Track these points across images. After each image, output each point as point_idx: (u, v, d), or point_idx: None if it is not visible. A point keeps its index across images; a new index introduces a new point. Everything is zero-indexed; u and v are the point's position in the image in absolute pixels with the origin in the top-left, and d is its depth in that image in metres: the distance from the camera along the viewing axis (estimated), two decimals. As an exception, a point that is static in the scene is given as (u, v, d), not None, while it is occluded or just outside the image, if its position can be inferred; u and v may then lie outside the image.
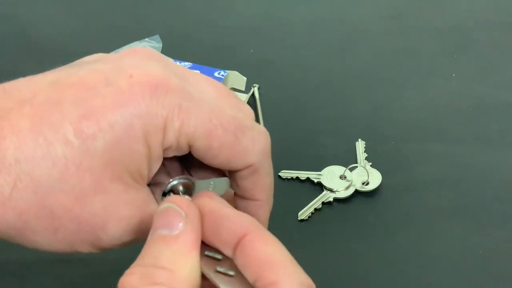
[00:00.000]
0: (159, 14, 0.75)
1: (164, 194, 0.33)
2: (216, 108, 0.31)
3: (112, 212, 0.29)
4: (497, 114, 0.59)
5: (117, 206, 0.29)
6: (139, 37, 0.65)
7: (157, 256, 0.27)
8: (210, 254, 0.28)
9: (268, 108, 0.59)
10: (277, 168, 0.52)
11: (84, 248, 0.31)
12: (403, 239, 0.48)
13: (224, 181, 0.34)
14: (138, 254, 0.28)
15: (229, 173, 0.34)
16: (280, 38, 0.71)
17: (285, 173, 0.53)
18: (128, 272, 0.27)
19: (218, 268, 0.28)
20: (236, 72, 0.61)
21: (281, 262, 0.27)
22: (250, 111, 0.34)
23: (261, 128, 0.33)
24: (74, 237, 0.30)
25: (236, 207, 0.35)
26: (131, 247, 0.44)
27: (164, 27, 0.71)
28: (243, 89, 0.60)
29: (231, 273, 0.28)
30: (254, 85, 0.62)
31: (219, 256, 0.28)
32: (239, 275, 0.27)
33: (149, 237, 0.28)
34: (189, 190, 0.33)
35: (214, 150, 0.31)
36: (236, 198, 0.35)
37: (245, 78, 0.61)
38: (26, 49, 0.69)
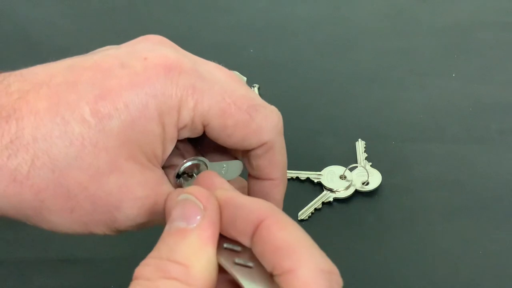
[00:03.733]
0: (159, 14, 0.76)
1: (178, 175, 0.33)
2: (228, 89, 0.32)
3: (126, 191, 0.30)
4: (497, 114, 0.59)
5: (132, 186, 0.30)
6: (139, 37, 0.65)
7: (173, 249, 0.27)
8: (229, 246, 0.28)
9: (268, 108, 0.59)
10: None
11: (99, 229, 0.31)
12: (403, 239, 0.48)
13: (237, 164, 0.34)
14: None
15: (243, 154, 0.34)
16: (280, 38, 0.71)
17: (285, 173, 0.53)
18: (143, 263, 0.27)
19: (237, 260, 0.27)
20: (236, 72, 0.61)
21: (298, 248, 0.26)
22: (258, 96, 0.35)
23: (272, 107, 0.34)
24: (89, 217, 0.30)
25: (251, 189, 0.35)
26: (132, 248, 0.44)
27: (164, 27, 0.71)
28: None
29: (250, 264, 0.27)
30: (254, 85, 0.62)
31: (238, 248, 0.28)
32: (259, 266, 0.27)
33: (166, 228, 0.28)
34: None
35: (229, 129, 0.31)
36: (250, 180, 0.35)
37: (245, 78, 0.61)
38: (26, 49, 0.69)
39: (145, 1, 0.79)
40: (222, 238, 0.28)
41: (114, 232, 0.31)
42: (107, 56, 0.31)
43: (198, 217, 0.27)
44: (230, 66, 0.62)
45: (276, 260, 0.26)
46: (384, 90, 0.63)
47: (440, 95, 0.62)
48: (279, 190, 0.35)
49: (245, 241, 0.27)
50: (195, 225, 0.27)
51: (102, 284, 0.45)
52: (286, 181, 0.36)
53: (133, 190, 0.30)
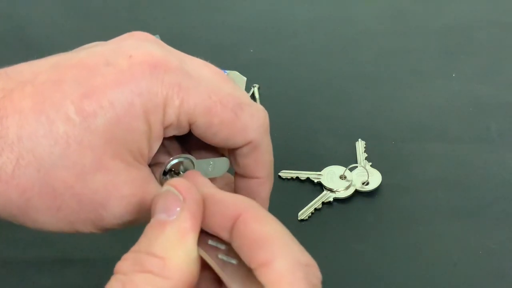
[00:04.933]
0: (159, 14, 0.75)
1: (165, 173, 0.33)
2: (215, 87, 0.32)
3: (112, 190, 0.30)
4: (497, 114, 0.59)
5: (118, 184, 0.30)
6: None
7: (151, 242, 0.27)
8: (214, 243, 0.28)
9: (268, 108, 0.59)
10: (277, 168, 0.52)
11: (86, 228, 0.31)
12: (403, 239, 0.48)
13: (223, 161, 0.34)
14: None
15: (229, 152, 0.35)
16: (280, 38, 0.71)
17: (285, 173, 0.53)
18: (123, 257, 0.27)
19: (220, 256, 0.27)
20: (236, 72, 0.61)
21: (274, 240, 0.26)
22: (246, 94, 0.35)
23: (259, 105, 0.34)
24: (75, 215, 0.30)
25: (237, 186, 0.35)
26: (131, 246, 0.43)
27: (164, 27, 0.71)
28: (243, 89, 0.60)
29: (233, 261, 0.27)
30: (254, 85, 0.62)
31: (222, 246, 0.28)
32: (242, 264, 0.26)
33: (149, 222, 0.28)
34: (189, 169, 0.33)
35: (214, 127, 0.31)
36: (237, 178, 0.35)
37: (245, 78, 0.62)
38: (26, 49, 0.69)
39: (145, 1, 0.79)
40: (208, 234, 0.28)
41: (100, 231, 0.31)
42: (92, 53, 0.31)
43: (178, 209, 0.27)
44: (230, 66, 0.62)
45: (252, 253, 0.26)
46: (384, 90, 0.63)
47: (440, 95, 0.62)
48: (264, 188, 0.35)
49: (225, 236, 0.27)
50: (175, 217, 0.27)
51: (101, 284, 0.45)
52: (272, 179, 0.35)
53: (119, 188, 0.30)
